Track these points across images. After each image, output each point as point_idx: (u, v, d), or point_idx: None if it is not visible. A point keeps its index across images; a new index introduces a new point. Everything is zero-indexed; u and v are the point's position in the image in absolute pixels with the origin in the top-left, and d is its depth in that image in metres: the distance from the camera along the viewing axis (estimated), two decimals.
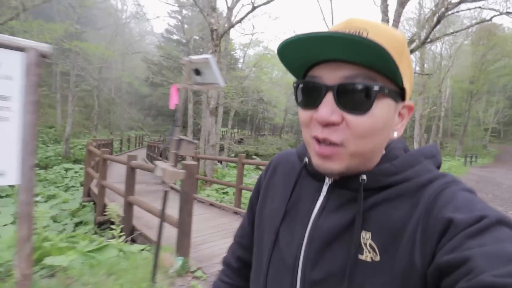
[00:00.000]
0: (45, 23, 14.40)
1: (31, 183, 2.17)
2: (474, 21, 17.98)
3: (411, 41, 12.26)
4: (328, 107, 0.43)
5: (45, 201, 10.00)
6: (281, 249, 0.53)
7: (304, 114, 0.47)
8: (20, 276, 2.24)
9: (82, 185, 13.77)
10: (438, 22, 9.85)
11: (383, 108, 0.44)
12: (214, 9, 11.21)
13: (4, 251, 2.81)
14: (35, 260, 2.77)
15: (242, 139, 28.15)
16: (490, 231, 0.36)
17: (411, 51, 11.36)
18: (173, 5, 23.12)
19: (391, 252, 0.42)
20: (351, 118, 0.43)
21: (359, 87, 0.42)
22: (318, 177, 0.55)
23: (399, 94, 0.46)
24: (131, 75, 27.75)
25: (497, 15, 10.10)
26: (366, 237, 0.45)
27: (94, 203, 7.22)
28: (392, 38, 0.44)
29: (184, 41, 27.27)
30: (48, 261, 2.59)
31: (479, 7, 9.75)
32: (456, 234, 0.37)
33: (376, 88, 0.42)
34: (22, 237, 2.21)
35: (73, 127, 22.43)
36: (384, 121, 0.44)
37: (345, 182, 0.50)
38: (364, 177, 0.47)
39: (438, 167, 0.51)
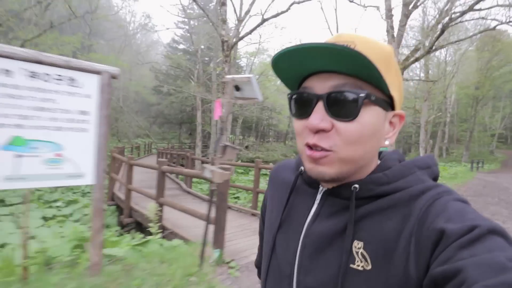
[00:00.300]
0: (59, 35, 15.08)
1: (103, 183, 2.62)
2: (478, 28, 18.45)
3: (416, 50, 12.71)
4: (318, 115, 0.45)
5: (66, 206, 10.48)
6: (278, 256, 0.55)
7: (298, 124, 0.50)
8: (93, 262, 2.68)
9: None
10: (442, 32, 10.29)
11: (371, 115, 0.46)
12: (224, 21, 11.78)
13: (66, 244, 3.25)
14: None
15: (247, 146, 28.68)
16: (481, 241, 0.37)
17: (416, 60, 11.77)
18: (182, 17, 23.87)
19: (383, 262, 0.43)
20: (340, 125, 0.45)
21: (346, 94, 0.44)
22: (313, 185, 0.56)
23: (388, 103, 0.48)
24: (139, 84, 28.44)
25: (499, 24, 10.55)
26: (358, 246, 0.46)
27: (117, 207, 7.65)
28: (378, 49, 0.47)
29: (190, 50, 28.05)
30: (106, 251, 3.01)
31: (482, 18, 10.13)
32: (449, 245, 0.38)
33: (362, 95, 0.44)
34: (96, 229, 2.67)
35: None
36: (372, 128, 0.46)
37: (338, 190, 0.51)
38: (357, 185, 0.49)
39: (435, 178, 0.52)
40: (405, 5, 11.19)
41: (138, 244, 3.53)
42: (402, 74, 12.46)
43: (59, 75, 2.34)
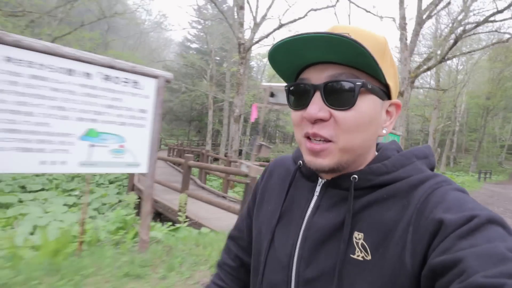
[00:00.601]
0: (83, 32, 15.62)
1: (154, 172, 3.05)
2: (491, 38, 18.61)
3: (428, 59, 13.00)
4: (316, 105, 0.46)
5: (82, 196, 11.00)
6: (277, 248, 0.55)
7: (295, 115, 0.50)
8: (142, 240, 3.11)
9: (111, 182, 14.83)
10: (455, 43, 10.59)
11: (368, 103, 0.46)
12: (242, 24, 12.23)
13: (111, 225, 3.69)
14: (134, 234, 3.65)
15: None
16: (481, 231, 0.37)
17: (428, 69, 12.06)
18: (197, 18, 24.38)
19: (381, 251, 0.44)
20: (337, 113, 0.46)
21: (343, 83, 0.45)
22: (311, 177, 0.57)
23: (384, 92, 0.49)
24: None
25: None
26: (358, 237, 0.46)
27: (138, 198, 8.10)
28: (373, 39, 0.48)
29: (203, 49, 28.59)
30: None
31: (495, 31, 10.40)
32: (448, 235, 0.38)
33: (358, 83, 0.45)
34: (145, 211, 3.09)
35: None
36: (370, 116, 0.47)
37: (337, 182, 0.52)
38: (356, 176, 0.49)
39: (432, 168, 0.52)
40: (419, 14, 11.50)
41: (171, 230, 3.96)
42: (413, 82, 12.75)
43: (126, 78, 2.77)
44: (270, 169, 0.69)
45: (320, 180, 0.55)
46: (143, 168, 2.95)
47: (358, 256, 0.45)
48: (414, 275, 0.40)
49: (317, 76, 0.47)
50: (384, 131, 0.51)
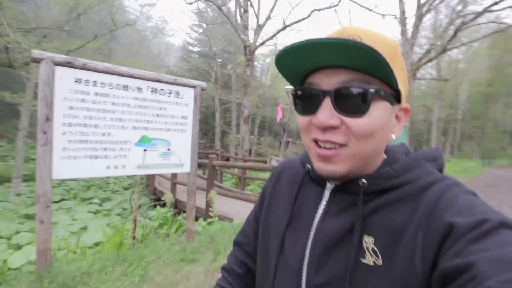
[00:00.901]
0: (80, 41, 16.00)
1: (195, 171, 3.42)
2: (491, 25, 18.81)
3: (428, 51, 13.28)
4: (326, 112, 0.45)
5: (102, 203, 11.46)
6: (286, 254, 0.55)
7: (302, 120, 0.49)
8: (188, 231, 3.49)
9: (126, 188, 15.26)
10: (455, 34, 10.87)
11: (380, 110, 0.46)
12: (246, 27, 12.56)
13: (154, 221, 4.07)
14: (176, 227, 4.03)
15: (259, 144, 29.61)
16: (493, 235, 0.36)
17: (430, 60, 12.35)
18: (198, 22, 24.72)
19: (391, 256, 0.43)
20: (350, 121, 0.44)
21: (356, 90, 0.44)
22: (320, 182, 0.56)
23: (395, 97, 0.48)
24: None
25: (510, 26, 11.06)
26: (369, 242, 0.46)
27: (159, 200, 8.50)
28: (385, 43, 0.46)
29: (204, 51, 28.89)
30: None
31: (493, 22, 10.66)
32: (459, 238, 0.38)
33: (372, 90, 0.44)
34: (191, 205, 3.47)
35: None
36: (382, 123, 0.46)
37: (346, 186, 0.51)
38: (364, 180, 0.49)
39: (441, 170, 0.52)
40: (419, 8, 11.78)
41: (207, 224, 4.34)
42: (415, 74, 13.03)
43: (170, 90, 3.14)
44: (278, 172, 0.68)
45: (328, 185, 0.55)
46: (186, 168, 3.33)
47: (369, 261, 0.45)
48: (425, 279, 0.40)
49: (327, 81, 0.46)
50: (393, 137, 0.50)
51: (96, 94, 2.68)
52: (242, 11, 12.34)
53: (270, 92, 23.60)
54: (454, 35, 10.84)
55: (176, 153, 3.23)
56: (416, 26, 12.89)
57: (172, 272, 2.78)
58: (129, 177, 18.42)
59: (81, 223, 7.45)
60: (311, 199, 0.56)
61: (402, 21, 12.25)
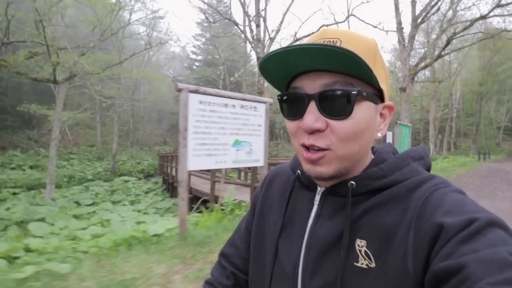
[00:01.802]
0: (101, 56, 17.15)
1: (267, 165, 4.62)
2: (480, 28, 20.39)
3: (424, 57, 14.66)
4: (312, 115, 0.46)
5: (131, 204, 12.58)
6: (281, 260, 0.56)
7: (291, 125, 0.51)
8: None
9: (146, 192, 16.34)
10: (447, 43, 12.25)
11: (364, 110, 0.47)
12: (259, 40, 13.85)
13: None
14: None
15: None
16: (482, 234, 0.37)
17: (426, 66, 13.70)
18: (202, 31, 25.99)
19: (383, 258, 0.44)
20: (334, 123, 0.46)
21: (339, 93, 0.45)
22: (310, 187, 0.58)
23: (378, 96, 0.50)
24: (162, 95, 30.56)
25: (498, 33, 12.50)
26: (361, 244, 0.46)
27: (195, 197, 9.66)
28: (364, 44, 0.48)
29: (207, 59, 30.23)
30: None
31: (482, 32, 12.07)
32: (449, 239, 0.38)
33: (354, 92, 0.45)
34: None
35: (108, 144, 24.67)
36: (366, 123, 0.47)
37: (335, 189, 0.52)
38: (353, 182, 0.50)
39: (428, 169, 0.53)
40: (414, 20, 13.18)
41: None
42: (414, 78, 14.38)
43: (251, 105, 4.36)
44: (269, 179, 0.69)
45: (319, 188, 0.56)
46: (261, 163, 4.53)
47: (362, 264, 0.46)
48: (417, 281, 0.40)
49: (310, 84, 0.47)
50: (379, 134, 0.52)
51: (210, 111, 3.88)
52: (255, 26, 13.65)
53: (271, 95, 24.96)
54: (447, 44, 12.21)
55: (255, 152, 4.43)
56: (412, 35, 14.30)
57: None
58: (147, 183, 19.48)
59: (132, 219, 8.54)
60: (303, 204, 0.57)
61: (399, 30, 13.66)
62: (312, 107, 0.47)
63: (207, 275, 0.80)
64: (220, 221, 4.33)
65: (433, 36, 18.89)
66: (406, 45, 13.69)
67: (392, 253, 0.44)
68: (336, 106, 0.46)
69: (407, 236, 0.43)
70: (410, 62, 14.68)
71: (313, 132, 0.47)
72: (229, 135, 4.11)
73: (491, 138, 35.31)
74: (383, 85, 0.49)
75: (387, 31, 11.48)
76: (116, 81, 23.52)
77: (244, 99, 4.26)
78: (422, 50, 19.97)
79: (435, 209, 0.42)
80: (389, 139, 8.19)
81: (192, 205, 8.13)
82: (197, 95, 3.73)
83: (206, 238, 3.70)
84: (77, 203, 12.79)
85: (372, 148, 0.57)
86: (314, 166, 0.49)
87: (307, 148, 0.48)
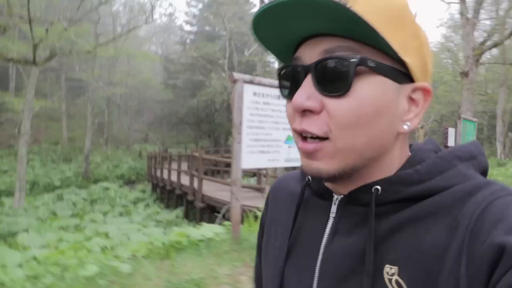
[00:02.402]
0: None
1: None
2: None
3: (492, 33, 15.30)
4: (304, 91, 0.46)
5: (120, 216, 13.50)
6: None
7: (287, 108, 0.52)
8: None
9: (134, 203, 17.25)
10: None
11: (371, 87, 0.46)
12: None
13: None
14: None
15: None
16: None
17: (496, 45, 14.29)
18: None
19: None
20: (329, 102, 0.45)
21: (336, 61, 0.45)
22: (325, 194, 0.58)
23: (403, 72, 0.48)
24: (147, 79, 31.33)
25: None
26: (391, 272, 0.46)
27: (210, 208, 10.53)
28: (384, 2, 0.47)
29: (206, 31, 30.81)
30: None
31: None
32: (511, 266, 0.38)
33: (353, 60, 0.44)
34: None
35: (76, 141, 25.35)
36: (375, 105, 0.46)
37: (356, 196, 0.52)
38: (378, 187, 0.49)
39: (483, 172, 0.52)
40: None
41: None
42: (477, 61, 14.96)
43: None
44: (273, 195, 0.72)
45: (335, 196, 0.56)
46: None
47: None
48: None
49: (309, 53, 0.48)
50: (405, 127, 0.50)
51: (264, 103, 4.69)
52: None
53: None
54: None
55: None
56: (479, 3, 14.91)
57: None
58: (132, 191, 20.42)
59: (135, 232, 9.37)
60: (316, 218, 0.58)
61: (462, 1, 14.28)
62: (308, 81, 0.47)
63: None
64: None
65: (504, 4, 19.49)
66: (469, 16, 14.35)
67: (437, 284, 0.43)
68: (332, 79, 0.45)
69: (459, 263, 0.42)
70: (475, 39, 15.21)
71: (305, 113, 0.47)
72: (281, 130, 4.93)
73: None
74: (409, 57, 0.48)
75: (448, 2, 12.18)
76: (90, 61, 24.36)
77: None
78: (490, 24, 20.52)
79: (495, 226, 0.41)
80: (451, 139, 8.54)
81: (213, 214, 8.97)
82: (252, 85, 4.55)
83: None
84: (54, 214, 13.69)
85: (410, 145, 0.57)
86: (310, 161, 0.49)
87: (305, 137, 0.49)
